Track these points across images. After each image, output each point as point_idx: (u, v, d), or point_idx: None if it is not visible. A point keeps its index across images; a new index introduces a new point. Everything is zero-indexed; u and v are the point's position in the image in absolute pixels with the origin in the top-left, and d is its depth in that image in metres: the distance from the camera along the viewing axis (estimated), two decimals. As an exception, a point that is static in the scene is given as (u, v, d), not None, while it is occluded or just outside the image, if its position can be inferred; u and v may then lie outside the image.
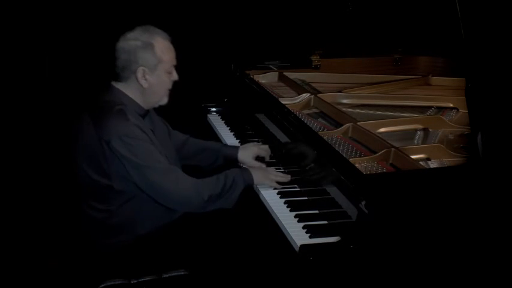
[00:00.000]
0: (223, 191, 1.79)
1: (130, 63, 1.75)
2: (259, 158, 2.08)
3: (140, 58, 1.74)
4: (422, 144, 1.93)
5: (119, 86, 1.80)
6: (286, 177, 1.89)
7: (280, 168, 2.02)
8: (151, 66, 1.76)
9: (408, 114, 2.20)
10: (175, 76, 1.84)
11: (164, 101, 1.86)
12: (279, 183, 1.88)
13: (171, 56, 1.81)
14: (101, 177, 1.73)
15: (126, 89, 1.80)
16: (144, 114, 1.84)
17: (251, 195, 1.91)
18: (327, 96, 2.31)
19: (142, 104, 1.82)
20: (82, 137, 1.77)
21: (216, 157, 2.10)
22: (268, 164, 2.05)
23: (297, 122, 2.06)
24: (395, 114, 2.22)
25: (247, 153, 2.07)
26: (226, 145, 2.18)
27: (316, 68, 2.74)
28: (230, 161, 2.09)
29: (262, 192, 1.87)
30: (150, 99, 1.82)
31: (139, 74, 1.76)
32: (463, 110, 2.18)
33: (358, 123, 2.01)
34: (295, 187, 1.89)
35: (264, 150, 2.09)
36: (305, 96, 2.34)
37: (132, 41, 1.75)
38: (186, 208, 1.80)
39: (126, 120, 1.72)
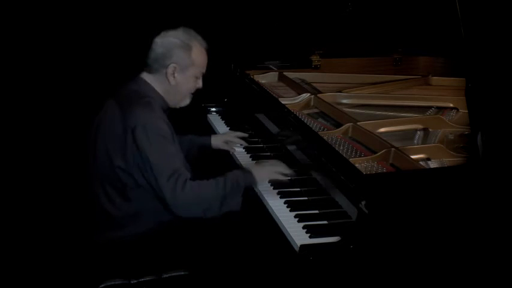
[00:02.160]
0: (224, 194, 1.75)
1: (165, 57, 1.80)
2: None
3: (175, 55, 1.81)
4: (422, 144, 1.93)
5: (146, 77, 1.85)
6: (286, 168, 1.86)
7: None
8: (183, 66, 1.82)
9: (408, 114, 2.20)
10: (200, 84, 1.91)
11: (186, 102, 1.93)
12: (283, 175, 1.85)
13: (204, 63, 1.89)
14: (121, 163, 1.75)
15: (153, 82, 1.84)
16: (166, 110, 1.88)
17: (251, 196, 1.91)
18: (327, 96, 2.31)
19: (166, 100, 1.86)
20: (106, 123, 1.80)
21: (189, 147, 2.15)
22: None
23: (297, 122, 2.06)
24: (396, 114, 2.22)
25: (219, 138, 2.23)
26: (195, 136, 2.23)
27: (316, 68, 2.74)
28: (204, 149, 2.20)
29: (262, 192, 1.87)
30: (173, 97, 1.87)
31: (170, 70, 1.81)
32: (463, 110, 2.18)
33: (358, 123, 2.01)
34: (295, 187, 1.89)
35: (235, 137, 2.21)
36: (305, 96, 2.34)
37: (172, 38, 1.82)
38: (186, 213, 1.75)
39: (154, 112, 1.76)
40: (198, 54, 1.85)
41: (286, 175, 1.87)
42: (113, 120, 1.78)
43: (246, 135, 2.28)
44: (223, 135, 2.29)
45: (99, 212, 1.84)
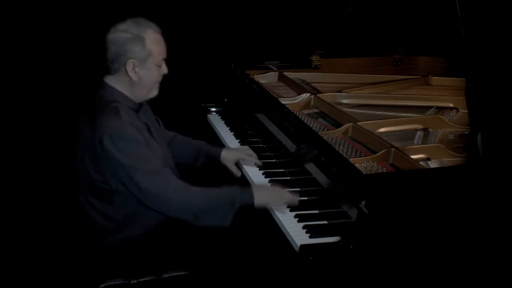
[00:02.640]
0: (218, 205, 1.72)
1: (120, 55, 1.73)
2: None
3: (130, 51, 1.72)
4: (422, 144, 1.93)
5: (109, 80, 1.79)
6: (294, 199, 1.75)
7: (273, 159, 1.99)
8: (141, 59, 1.74)
9: (408, 114, 2.20)
10: (165, 69, 1.81)
11: (154, 93, 1.84)
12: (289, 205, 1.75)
13: (162, 49, 1.78)
14: (99, 175, 1.72)
15: (116, 83, 1.78)
16: (138, 108, 1.83)
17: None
18: (327, 96, 2.31)
19: (133, 98, 1.80)
20: (81, 135, 1.76)
21: (197, 155, 2.10)
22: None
23: (297, 122, 2.06)
24: (396, 114, 2.22)
25: (230, 156, 2.07)
26: (209, 144, 2.15)
27: (316, 68, 2.74)
28: (212, 160, 2.08)
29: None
30: (139, 92, 1.80)
31: (129, 67, 1.73)
32: (463, 110, 2.18)
33: (358, 123, 2.01)
34: (295, 187, 1.89)
35: (248, 155, 2.07)
36: (305, 96, 2.34)
37: (122, 32, 1.73)
38: (174, 213, 1.73)
39: (119, 118, 1.69)
40: (153, 43, 1.75)
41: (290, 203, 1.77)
42: (84, 132, 1.74)
43: (259, 162, 2.06)
44: (235, 152, 2.10)
45: (88, 222, 1.83)
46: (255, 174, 2.03)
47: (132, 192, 1.71)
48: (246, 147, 2.15)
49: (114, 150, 1.66)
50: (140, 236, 1.81)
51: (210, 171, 2.16)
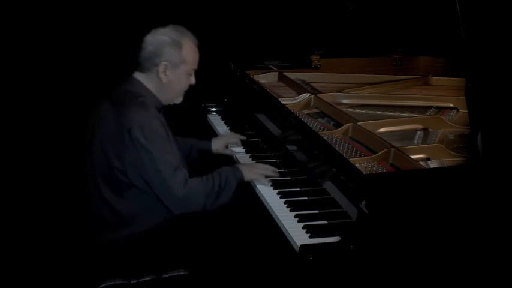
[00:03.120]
0: (219, 188, 1.81)
1: (155, 56, 1.81)
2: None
3: (166, 53, 1.81)
4: (422, 144, 1.93)
5: (139, 77, 1.86)
6: (275, 171, 1.93)
7: (272, 159, 2.11)
8: (174, 64, 1.82)
9: (408, 114, 2.20)
10: (193, 80, 1.91)
11: (179, 100, 1.94)
12: (268, 177, 1.91)
13: (195, 60, 1.88)
14: (118, 162, 1.75)
15: (146, 81, 1.85)
16: (161, 109, 1.89)
17: (251, 196, 1.91)
18: (327, 96, 2.31)
19: (159, 98, 1.87)
20: (101, 124, 1.80)
21: (189, 151, 2.17)
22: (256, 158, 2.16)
23: (297, 122, 2.06)
24: (396, 114, 2.22)
25: (219, 143, 2.22)
26: (198, 139, 2.24)
27: (316, 68, 2.74)
28: (204, 153, 2.20)
29: (262, 192, 1.87)
30: (166, 95, 1.88)
31: (161, 68, 1.81)
32: (463, 110, 2.18)
33: (358, 123, 2.01)
34: (295, 187, 1.89)
35: (234, 137, 2.24)
36: (305, 96, 2.34)
37: (162, 35, 1.82)
38: (185, 209, 1.79)
39: (147, 111, 1.77)
40: (189, 51, 1.85)
41: (271, 177, 1.92)
42: (108, 121, 1.78)
43: (244, 137, 2.27)
44: (224, 138, 2.27)
45: (95, 215, 1.84)
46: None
47: (150, 184, 1.75)
48: (230, 132, 2.35)
49: (143, 139, 1.72)
50: (141, 235, 1.82)
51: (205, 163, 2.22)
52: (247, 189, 1.91)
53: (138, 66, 1.85)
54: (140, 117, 1.74)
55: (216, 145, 2.22)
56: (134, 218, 1.82)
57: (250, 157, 2.18)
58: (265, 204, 1.82)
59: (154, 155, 1.72)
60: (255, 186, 1.92)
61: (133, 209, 1.81)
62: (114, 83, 1.89)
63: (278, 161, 2.11)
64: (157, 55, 1.80)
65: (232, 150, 2.23)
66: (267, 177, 1.92)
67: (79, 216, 1.90)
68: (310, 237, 1.59)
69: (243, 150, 2.24)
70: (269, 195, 1.85)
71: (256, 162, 2.06)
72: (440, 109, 2.26)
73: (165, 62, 1.81)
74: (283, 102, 2.27)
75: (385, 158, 1.77)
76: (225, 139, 2.26)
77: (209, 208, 1.80)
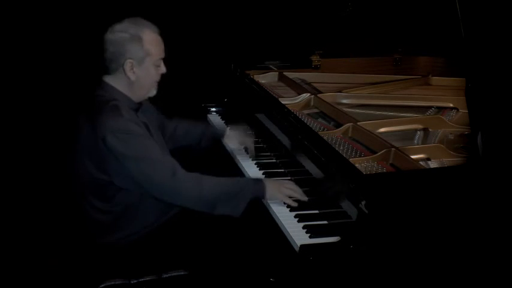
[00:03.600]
0: (229, 194, 1.73)
1: (118, 55, 1.74)
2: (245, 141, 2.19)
3: (128, 51, 1.73)
4: (422, 144, 1.93)
5: (108, 80, 1.80)
6: (303, 195, 1.78)
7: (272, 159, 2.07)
8: (139, 59, 1.75)
9: (408, 114, 2.20)
10: (163, 69, 1.82)
11: (152, 93, 1.85)
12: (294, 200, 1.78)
13: (160, 49, 1.79)
14: (102, 174, 1.72)
15: (116, 82, 1.79)
16: (137, 108, 1.84)
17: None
18: (327, 96, 2.31)
19: (132, 97, 1.81)
20: (81, 135, 1.77)
21: (201, 136, 2.17)
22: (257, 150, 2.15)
23: (297, 122, 2.06)
24: (396, 114, 2.22)
25: (233, 137, 2.20)
26: (210, 126, 2.25)
27: (316, 68, 2.74)
28: (216, 141, 2.18)
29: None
30: (138, 92, 1.81)
31: (127, 67, 1.74)
32: (463, 110, 2.18)
33: (358, 123, 2.01)
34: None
35: (249, 140, 2.18)
36: (305, 96, 2.34)
37: (120, 33, 1.74)
38: (184, 202, 1.74)
39: (120, 115, 1.71)
40: (151, 43, 1.76)
41: (298, 201, 1.79)
42: (85, 134, 1.74)
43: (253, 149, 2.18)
44: (239, 135, 2.20)
45: (90, 219, 1.83)
46: (252, 171, 2.05)
47: (142, 186, 1.71)
48: (246, 133, 2.26)
49: (119, 145, 1.67)
50: (140, 235, 1.81)
51: (211, 160, 2.24)
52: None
53: (105, 69, 1.79)
54: (112, 123, 1.68)
55: (228, 138, 2.19)
56: (128, 220, 1.80)
57: (255, 164, 2.12)
58: (265, 204, 1.82)
59: (134, 157, 1.68)
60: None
61: (125, 210, 1.79)
62: (89, 89, 1.83)
63: (278, 160, 2.11)
64: (120, 54, 1.73)
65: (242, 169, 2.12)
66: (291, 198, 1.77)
67: (78, 218, 1.90)
68: (310, 237, 1.59)
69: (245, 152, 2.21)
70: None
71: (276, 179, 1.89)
72: (440, 109, 2.26)
73: (129, 60, 1.73)
74: (283, 102, 2.26)
75: (385, 158, 1.77)
76: (239, 137, 2.20)
77: (217, 210, 1.73)
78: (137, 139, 1.71)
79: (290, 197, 1.78)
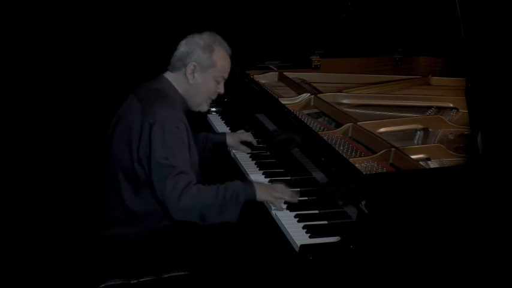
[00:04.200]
0: (223, 203, 1.72)
1: (186, 56, 1.84)
2: (247, 143, 2.22)
3: (196, 54, 1.84)
4: (422, 144, 1.93)
5: (168, 76, 1.88)
6: (294, 197, 1.78)
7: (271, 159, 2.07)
8: (203, 66, 1.85)
9: (408, 114, 2.20)
10: (221, 89, 1.92)
11: (204, 108, 1.93)
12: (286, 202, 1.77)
13: (225, 67, 1.90)
14: (136, 156, 1.75)
15: (174, 81, 1.87)
16: (186, 112, 1.88)
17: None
18: (327, 96, 2.31)
19: (186, 101, 1.88)
20: (126, 117, 1.82)
21: (205, 142, 2.19)
22: (255, 149, 2.18)
23: (297, 122, 2.06)
24: (396, 114, 2.22)
25: (234, 137, 2.23)
26: (210, 133, 2.26)
27: (316, 68, 2.74)
28: (219, 147, 2.21)
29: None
30: (192, 98, 1.89)
31: (190, 69, 1.84)
32: (463, 110, 2.18)
33: (358, 123, 2.01)
34: (295, 187, 1.89)
35: (248, 136, 2.22)
36: (305, 96, 2.34)
37: (197, 38, 1.87)
38: (179, 215, 1.73)
39: (174, 110, 1.78)
40: (220, 57, 1.87)
41: (289, 201, 1.79)
42: (133, 114, 1.79)
43: (255, 143, 2.24)
44: (238, 134, 2.26)
45: (106, 209, 1.85)
46: (253, 172, 2.04)
47: (152, 179, 1.73)
48: (242, 130, 2.31)
49: (160, 137, 1.71)
50: (144, 235, 1.82)
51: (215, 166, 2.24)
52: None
53: (169, 66, 1.88)
54: (165, 115, 1.74)
55: (230, 139, 2.23)
56: (143, 218, 1.82)
57: (250, 157, 2.18)
58: (265, 204, 1.82)
59: (163, 154, 1.70)
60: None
61: (144, 209, 1.81)
62: (140, 80, 1.91)
63: (277, 160, 2.11)
64: (188, 55, 1.84)
65: (247, 148, 2.21)
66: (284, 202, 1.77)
67: (80, 215, 1.90)
68: (310, 237, 1.59)
69: (248, 156, 2.19)
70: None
71: (271, 181, 1.91)
72: (440, 109, 2.26)
73: (193, 63, 1.83)
74: (283, 102, 2.26)
75: (385, 158, 1.77)
76: (239, 135, 2.25)
77: (210, 221, 1.73)
78: (178, 142, 1.75)
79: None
